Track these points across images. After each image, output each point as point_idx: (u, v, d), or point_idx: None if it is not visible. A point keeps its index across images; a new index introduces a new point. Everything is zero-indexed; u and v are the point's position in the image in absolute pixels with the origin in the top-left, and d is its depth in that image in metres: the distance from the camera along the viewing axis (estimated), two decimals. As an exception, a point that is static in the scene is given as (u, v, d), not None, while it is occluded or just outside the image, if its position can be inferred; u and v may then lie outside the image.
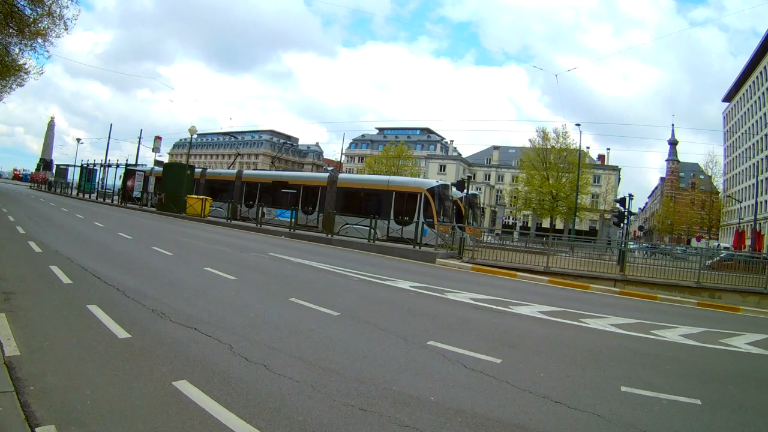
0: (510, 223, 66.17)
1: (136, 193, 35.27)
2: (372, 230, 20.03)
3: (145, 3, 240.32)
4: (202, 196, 28.30)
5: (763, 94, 65.83)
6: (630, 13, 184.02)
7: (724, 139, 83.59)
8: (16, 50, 22.15)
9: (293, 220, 22.88)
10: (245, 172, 33.21)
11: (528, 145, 56.44)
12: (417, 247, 18.68)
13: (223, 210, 27.99)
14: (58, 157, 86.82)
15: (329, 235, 20.99)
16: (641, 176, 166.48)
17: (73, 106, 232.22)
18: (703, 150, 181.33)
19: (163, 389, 3.87)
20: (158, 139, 41.15)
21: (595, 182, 64.65)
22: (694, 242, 67.05)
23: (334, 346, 5.64)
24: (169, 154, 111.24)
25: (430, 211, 21.95)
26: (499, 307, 9.36)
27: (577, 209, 46.42)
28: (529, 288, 13.69)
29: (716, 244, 56.33)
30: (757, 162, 64.02)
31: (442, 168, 77.26)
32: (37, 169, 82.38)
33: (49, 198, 38.24)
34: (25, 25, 19.55)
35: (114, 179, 43.74)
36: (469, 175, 54.74)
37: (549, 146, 52.73)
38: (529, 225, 64.14)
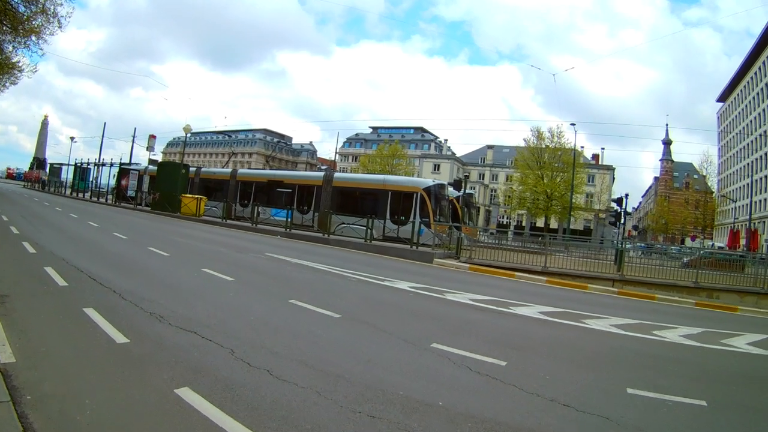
0: (504, 223, 66.15)
1: (131, 193, 34.93)
2: (369, 230, 19.90)
3: (138, 1, 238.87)
4: (197, 196, 28.05)
5: (758, 94, 66.17)
6: (624, 14, 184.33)
7: (719, 139, 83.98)
8: (10, 48, 21.87)
9: (289, 219, 22.71)
10: (240, 171, 32.97)
11: (522, 144, 56.53)
12: (414, 247, 18.59)
13: (217, 209, 27.78)
14: (51, 156, 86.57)
15: (326, 235, 20.84)
16: (635, 176, 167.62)
17: (66, 104, 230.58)
18: (697, 150, 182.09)
19: (165, 397, 3.74)
20: (152, 137, 40.89)
21: (589, 182, 64.89)
22: (688, 242, 67.19)
23: (338, 349, 5.55)
24: (162, 152, 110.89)
25: (427, 210, 21.85)
26: (499, 308, 9.30)
27: (571, 209, 46.43)
28: (528, 288, 13.63)
29: (710, 243, 56.61)
30: (752, 162, 64.35)
31: (437, 167, 77.21)
32: (31, 168, 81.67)
33: (43, 197, 37.87)
34: (18, 22, 19.31)
35: (108, 178, 43.42)
36: (466, 174, 54.60)
37: (543, 145, 52.83)
38: (524, 224, 64.15)
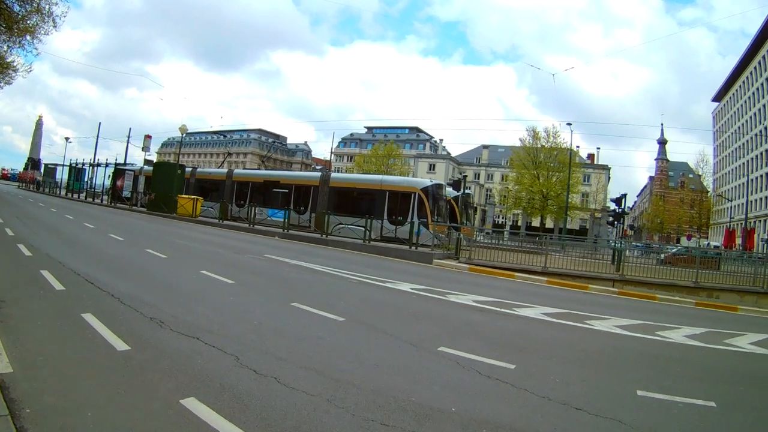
0: (500, 223, 66.11)
1: (126, 193, 34.60)
2: (367, 231, 19.77)
3: (133, 1, 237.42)
4: (193, 196, 27.86)
5: (753, 94, 66.49)
6: (619, 13, 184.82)
7: (714, 138, 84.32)
8: (5, 47, 21.65)
9: (287, 220, 22.56)
10: (236, 171, 32.81)
11: (518, 144, 56.65)
12: (414, 248, 18.47)
13: (213, 210, 27.61)
14: (46, 157, 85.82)
15: (324, 236, 20.69)
16: (629, 175, 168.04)
17: (60, 104, 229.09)
18: (692, 149, 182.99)
19: (171, 408, 3.58)
20: (148, 138, 40.56)
21: (585, 181, 64.87)
22: (684, 241, 67.36)
23: (344, 354, 5.42)
24: (157, 153, 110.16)
25: (424, 211, 21.74)
26: (502, 310, 9.22)
27: (568, 208, 46.43)
28: (529, 289, 13.58)
29: (706, 242, 56.74)
30: (748, 161, 64.63)
31: (432, 167, 77.23)
32: (25, 169, 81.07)
33: (37, 198, 37.54)
34: (13, 22, 19.11)
35: (103, 179, 43.07)
36: (465, 174, 54.57)
37: (539, 145, 52.84)
38: (519, 224, 64.18)
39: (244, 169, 64.38)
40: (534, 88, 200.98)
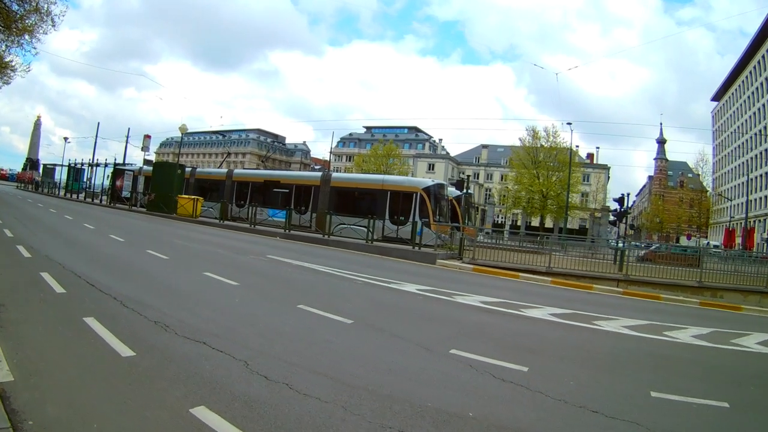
0: (500, 222, 66.04)
1: (125, 193, 34.38)
2: (370, 231, 19.64)
3: (131, 1, 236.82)
4: (193, 196, 27.67)
5: (753, 93, 66.50)
6: (617, 13, 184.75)
7: (713, 137, 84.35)
8: (3, 47, 21.45)
9: (288, 220, 22.40)
10: (236, 171, 32.62)
11: (517, 143, 56.66)
12: (417, 248, 18.32)
13: (213, 210, 27.43)
14: (44, 157, 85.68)
15: (325, 236, 20.53)
16: (628, 175, 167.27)
17: (59, 105, 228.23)
18: (690, 149, 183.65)
19: (181, 418, 3.41)
20: (147, 137, 40.36)
21: (584, 181, 64.80)
22: (683, 240, 67.36)
23: (355, 358, 5.30)
24: (155, 153, 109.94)
25: (426, 210, 21.57)
26: (510, 311, 9.16)
27: (568, 208, 46.33)
28: (534, 289, 13.51)
29: (706, 242, 56.71)
30: (748, 160, 64.59)
31: (431, 167, 77.15)
32: (24, 169, 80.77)
33: (36, 198, 37.26)
34: (12, 21, 18.93)
35: (102, 179, 42.81)
36: (468, 174, 54.56)
37: (539, 145, 52.77)
38: (519, 224, 64.13)
39: (244, 168, 64.11)
40: (532, 88, 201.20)
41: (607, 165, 70.39)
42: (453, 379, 4.86)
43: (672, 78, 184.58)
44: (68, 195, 44.80)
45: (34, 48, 21.54)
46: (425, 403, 4.09)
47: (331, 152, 74.71)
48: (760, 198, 62.41)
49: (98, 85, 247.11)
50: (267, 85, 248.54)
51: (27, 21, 19.67)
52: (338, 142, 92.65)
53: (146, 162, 40.81)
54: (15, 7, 19.00)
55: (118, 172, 37.00)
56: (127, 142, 46.20)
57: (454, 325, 7.57)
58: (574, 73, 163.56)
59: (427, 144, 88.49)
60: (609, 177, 70.28)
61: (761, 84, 63.69)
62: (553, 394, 4.59)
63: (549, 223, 58.12)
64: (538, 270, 17.11)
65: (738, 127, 71.81)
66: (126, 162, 43.89)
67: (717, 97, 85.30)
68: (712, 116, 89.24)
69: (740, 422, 4.55)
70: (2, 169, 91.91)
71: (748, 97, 68.45)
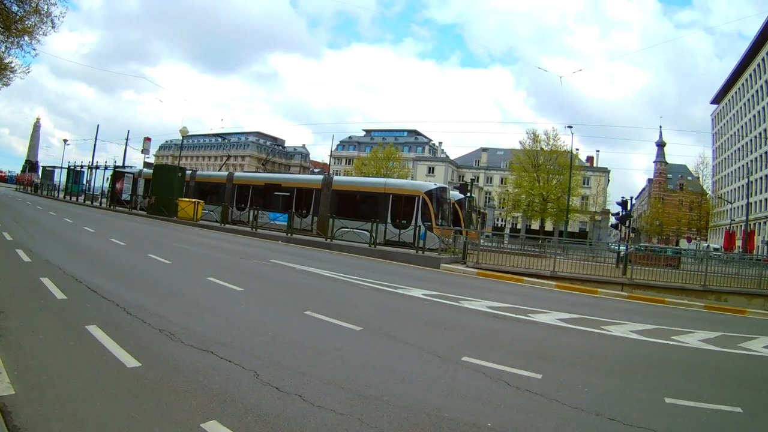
0: (500, 226, 65.91)
1: (125, 196, 34.17)
2: (373, 235, 19.49)
3: (130, 3, 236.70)
4: (194, 199, 27.50)
5: (753, 96, 66.57)
6: (616, 16, 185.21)
7: (713, 140, 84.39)
8: (2, 48, 21.31)
9: (290, 224, 22.21)
10: (237, 174, 32.41)
11: (516, 146, 56.65)
12: (420, 252, 18.17)
13: (213, 213, 27.25)
14: (43, 159, 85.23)
15: (328, 240, 20.38)
16: (627, 178, 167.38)
17: (58, 107, 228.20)
18: (689, 152, 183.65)
19: (193, 435, 3.25)
20: (147, 140, 40.21)
21: (584, 184, 64.75)
22: (683, 243, 67.25)
23: (367, 367, 5.13)
24: (154, 155, 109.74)
25: (428, 214, 21.42)
26: (518, 316, 9.08)
27: (568, 211, 46.21)
28: (540, 294, 13.40)
29: (705, 245, 56.66)
30: (748, 163, 64.54)
31: (431, 170, 77.10)
32: (23, 171, 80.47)
33: (35, 201, 37.05)
34: (11, 22, 18.78)
35: (102, 181, 42.58)
36: (471, 178, 54.38)
37: (539, 148, 52.69)
38: (519, 227, 64.03)
39: (246, 171, 63.98)
40: (531, 91, 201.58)
41: (607, 168, 70.45)
42: (468, 387, 4.77)
43: (671, 81, 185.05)
44: (68, 197, 44.61)
45: (34, 49, 21.39)
46: (442, 414, 3.99)
47: (331, 155, 74.62)
48: (761, 201, 62.36)
49: (97, 88, 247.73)
50: (266, 88, 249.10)
51: (27, 22, 19.53)
52: (338, 145, 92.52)
53: (146, 165, 40.54)
54: (15, 8, 18.88)
55: (118, 174, 36.77)
56: (126, 145, 46.09)
57: (463, 331, 7.48)
58: (573, 75, 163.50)
59: (426, 147, 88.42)
60: (609, 180, 70.24)
61: (761, 87, 63.75)
62: (569, 401, 4.53)
63: (549, 227, 58.02)
64: (542, 274, 17.00)
65: (738, 129, 71.84)
66: (125, 164, 43.74)
67: (717, 100, 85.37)
68: (712, 119, 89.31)
69: (754, 427, 4.55)
70: (1, 171, 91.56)
71: (748, 99, 68.52)
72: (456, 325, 7.84)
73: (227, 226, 25.01)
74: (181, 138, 36.87)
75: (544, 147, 52.76)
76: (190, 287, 8.78)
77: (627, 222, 28.56)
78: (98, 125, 58.82)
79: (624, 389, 5.24)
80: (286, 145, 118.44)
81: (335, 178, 27.23)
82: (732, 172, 74.52)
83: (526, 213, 55.91)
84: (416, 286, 11.48)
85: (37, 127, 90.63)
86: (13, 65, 23.52)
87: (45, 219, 21.21)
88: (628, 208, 27.16)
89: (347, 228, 21.20)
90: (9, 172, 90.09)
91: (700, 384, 5.73)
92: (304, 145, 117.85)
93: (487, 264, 17.66)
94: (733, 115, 76.06)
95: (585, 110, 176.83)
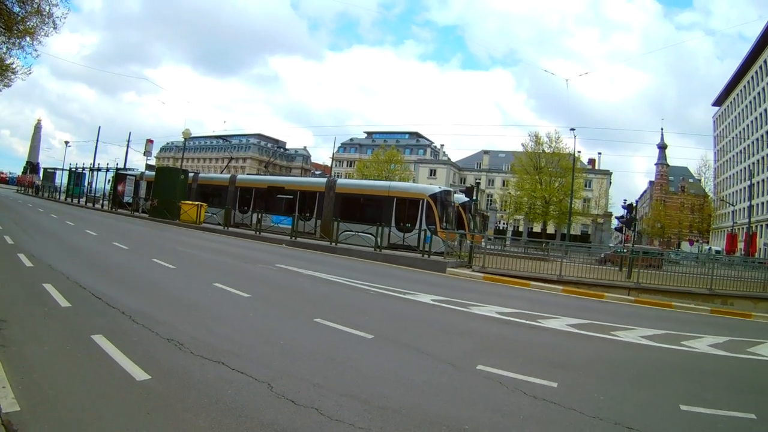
0: (502, 228, 65.77)
1: (127, 198, 33.99)
2: (378, 238, 19.34)
3: (131, 5, 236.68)
4: (197, 202, 27.31)
5: (755, 98, 66.44)
6: (616, 18, 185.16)
7: (714, 143, 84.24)
8: (4, 49, 21.21)
9: (295, 227, 22.10)
10: (239, 176, 32.26)
11: (517, 148, 56.75)
12: (426, 256, 18.02)
13: (216, 216, 27.07)
14: (44, 160, 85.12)
15: (333, 244, 20.21)
16: (628, 180, 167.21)
17: (59, 108, 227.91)
18: (690, 154, 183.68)
19: (209, 455, 3.09)
20: (150, 142, 40.09)
21: (586, 186, 64.69)
22: (685, 246, 67.02)
23: (383, 377, 5.02)
24: (156, 157, 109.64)
25: (433, 218, 21.25)
26: (528, 322, 8.99)
27: (571, 214, 46.09)
28: (547, 299, 13.30)
29: (707, 247, 56.51)
30: (750, 165, 64.37)
31: (433, 172, 76.96)
32: (24, 173, 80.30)
33: (37, 203, 36.85)
34: (13, 23, 18.69)
35: (104, 183, 42.36)
36: (478, 181, 54.28)
37: (541, 150, 52.64)
38: (521, 230, 63.90)
39: (249, 174, 63.85)
40: (532, 93, 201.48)
41: (609, 171, 70.27)
42: (485, 397, 4.70)
43: (671, 83, 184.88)
44: (69, 199, 44.45)
45: (35, 50, 21.32)
46: (462, 426, 3.91)
47: (332, 158, 74.54)
48: (763, 203, 62.20)
49: (98, 89, 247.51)
50: (267, 90, 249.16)
51: (28, 23, 19.47)
52: (339, 148, 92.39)
53: (148, 167, 40.40)
54: (16, 9, 18.81)
55: (120, 176, 36.53)
56: (128, 147, 45.96)
57: (475, 337, 7.40)
58: (568, 77, 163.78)
59: (428, 149, 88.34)
60: (611, 182, 70.08)
61: (763, 89, 63.65)
62: (586, 410, 4.50)
63: (551, 229, 57.92)
64: (549, 278, 16.83)
65: (740, 132, 71.70)
66: (127, 166, 43.64)
67: (718, 102, 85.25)
68: (714, 121, 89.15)
69: (767, 432, 4.53)
70: (2, 173, 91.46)
71: (750, 102, 68.38)
72: (467, 332, 7.75)
73: (230, 229, 24.84)
74: (182, 140, 36.76)
75: (546, 149, 52.76)
76: (197, 293, 8.61)
77: (633, 225, 28.35)
78: (99, 127, 58.67)
79: (639, 397, 5.20)
80: (287, 147, 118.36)
81: (339, 180, 27.04)
82: (734, 174, 74.36)
83: (528, 216, 55.82)
84: (424, 291, 11.34)
85: (38, 128, 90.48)
86: (14, 66, 23.46)
87: (46, 222, 21.07)
88: (634, 211, 26.93)
89: (351, 231, 21.02)
90: (10, 173, 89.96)
91: (712, 390, 5.74)
92: (305, 147, 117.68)
93: (492, 268, 17.49)
94: (735, 117, 75.91)
95: (586, 112, 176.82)
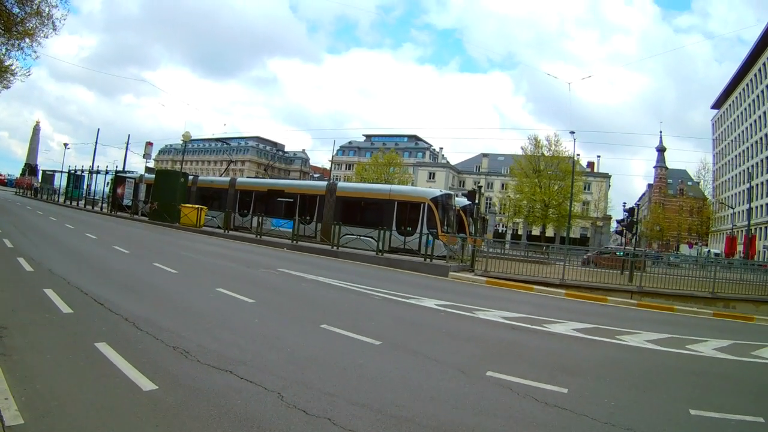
0: (501, 231, 65.73)
1: (126, 201, 33.79)
2: (379, 242, 19.26)
3: (130, 7, 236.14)
4: (197, 206, 27.17)
5: (753, 101, 66.53)
6: (615, 21, 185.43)
7: (713, 145, 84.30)
8: (3, 51, 21.08)
9: (296, 231, 22.01)
10: (239, 179, 32.15)
11: (516, 152, 56.87)
12: (429, 260, 17.95)
13: (216, 220, 26.93)
14: (43, 163, 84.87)
15: (334, 248, 20.11)
16: (626, 183, 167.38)
17: (57, 110, 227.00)
18: (688, 157, 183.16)
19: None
20: (149, 145, 39.90)
21: (585, 189, 64.68)
22: (684, 248, 67.03)
23: (393, 385, 4.94)
24: (154, 160, 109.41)
25: (434, 221, 21.17)
26: (534, 326, 8.99)
27: (571, 217, 46.04)
28: (551, 303, 13.26)
29: (706, 250, 56.49)
30: (749, 168, 64.42)
31: (432, 176, 76.93)
32: (23, 174, 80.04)
33: (35, 205, 36.71)
34: (12, 24, 18.57)
35: (103, 186, 42.07)
36: (480, 185, 54.20)
37: (540, 153, 52.66)
38: (520, 233, 63.89)
39: (245, 177, 63.70)
40: (530, 96, 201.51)
41: (608, 173, 70.25)
42: (497, 405, 4.65)
43: (670, 85, 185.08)
44: (68, 202, 44.26)
45: (35, 52, 21.15)
46: None
47: (331, 161, 74.45)
48: (762, 205, 62.26)
49: (97, 91, 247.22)
50: (265, 93, 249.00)
51: (28, 24, 19.34)
52: (338, 150, 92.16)
53: (148, 170, 40.21)
54: (16, 10, 18.67)
55: (119, 179, 36.27)
56: (127, 149, 45.78)
57: (482, 343, 7.36)
58: (570, 80, 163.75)
59: (427, 152, 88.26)
60: (610, 185, 70.13)
61: (762, 92, 63.74)
62: (598, 416, 4.50)
63: (550, 232, 57.91)
64: (551, 282, 16.78)
65: (739, 134, 71.77)
66: (125, 169, 43.43)
67: (717, 105, 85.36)
68: (713, 124, 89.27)
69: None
70: (1, 175, 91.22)
71: (749, 104, 68.47)
72: (474, 337, 7.69)
73: (230, 232, 24.71)
74: (180, 142, 36.69)
75: (545, 153, 52.76)
76: (200, 299, 8.49)
77: (635, 229, 28.30)
78: (99, 129, 58.43)
79: (649, 401, 5.21)
80: (285, 150, 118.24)
81: (339, 184, 26.96)
82: (733, 177, 74.42)
83: (528, 219, 55.81)
84: (428, 295, 11.28)
85: (36, 130, 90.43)
86: (13, 68, 23.29)
87: (46, 225, 20.95)
88: (636, 215, 26.89)
89: (352, 235, 20.91)
90: (8, 175, 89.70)
91: (720, 394, 5.80)
92: (303, 150, 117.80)
93: (495, 272, 17.39)
94: (734, 119, 75.99)
95: (584, 115, 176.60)
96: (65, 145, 69.12)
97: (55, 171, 59.48)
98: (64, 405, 3.68)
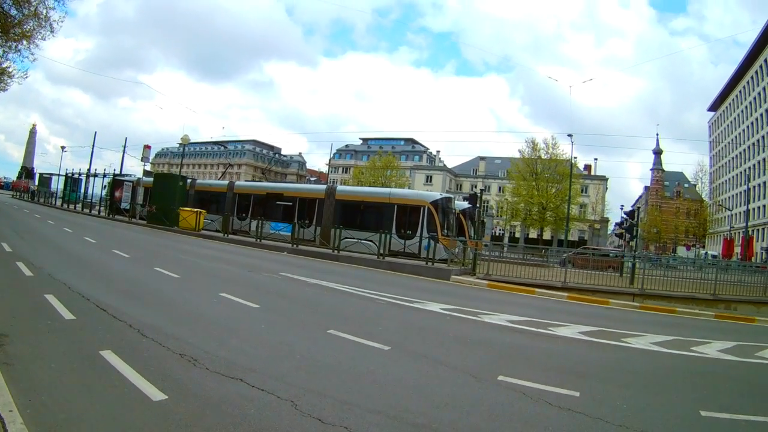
0: (498, 234, 65.71)
1: (125, 205, 33.55)
2: (380, 246, 19.18)
3: (126, 10, 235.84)
4: (196, 209, 27.02)
5: (750, 103, 66.75)
6: (611, 24, 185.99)
7: (710, 148, 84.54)
8: (0, 53, 20.96)
9: (296, 235, 21.88)
10: (237, 183, 31.99)
11: (512, 154, 56.95)
12: (430, 264, 17.86)
13: (214, 223, 26.79)
14: (39, 165, 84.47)
15: (335, 251, 20.01)
16: (623, 186, 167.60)
17: (54, 113, 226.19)
18: (684, 159, 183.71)
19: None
20: (147, 148, 39.66)
21: (583, 192, 64.71)
22: (682, 251, 67.13)
23: (407, 390, 4.87)
24: (151, 163, 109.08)
25: (434, 225, 21.09)
26: (539, 330, 8.97)
27: (569, 220, 46.03)
28: (554, 306, 13.20)
29: (704, 252, 56.56)
30: (746, 170, 64.61)
31: (429, 179, 76.84)
32: (19, 177, 79.63)
33: (33, 208, 36.42)
34: (10, 26, 18.46)
35: (100, 189, 41.84)
36: (482, 188, 54.18)
37: (538, 156, 52.69)
38: (517, 236, 63.88)
39: (243, 180, 63.53)
40: (526, 99, 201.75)
41: (605, 176, 70.37)
42: (512, 409, 4.64)
43: (666, 88, 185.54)
44: (65, 205, 43.99)
45: (32, 54, 21.04)
46: None
47: (329, 164, 74.33)
48: (760, 207, 62.43)
49: (93, 94, 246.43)
50: (261, 96, 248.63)
51: (25, 26, 19.25)
52: (335, 154, 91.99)
53: (146, 173, 39.99)
54: (13, 12, 18.56)
55: (117, 182, 36.07)
56: (124, 152, 45.59)
57: (490, 347, 7.35)
58: (567, 83, 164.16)
59: (424, 156, 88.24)
60: (607, 188, 70.21)
61: (759, 94, 63.94)
62: (612, 419, 4.51)
63: (547, 235, 57.91)
64: (553, 285, 16.71)
65: (736, 137, 71.96)
66: (123, 172, 43.20)
67: (713, 107, 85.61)
68: (709, 126, 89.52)
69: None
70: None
71: (746, 107, 68.69)
72: (482, 341, 7.67)
73: (230, 236, 24.57)
74: (178, 145, 36.61)
75: (543, 155, 52.79)
76: (204, 304, 8.37)
77: (635, 232, 28.21)
78: (96, 132, 58.26)
79: (660, 403, 5.22)
80: (282, 153, 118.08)
81: (338, 187, 26.88)
82: (730, 179, 74.61)
83: (525, 222, 55.80)
84: (432, 299, 11.22)
85: (33, 133, 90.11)
86: (10, 70, 23.13)
87: (44, 228, 20.77)
88: (636, 218, 26.88)
89: (352, 239, 20.81)
90: (5, 178, 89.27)
91: (728, 395, 5.85)
92: (300, 153, 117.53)
93: (497, 275, 17.31)
94: (731, 122, 76.21)
95: (580, 118, 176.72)
96: (62, 148, 68.59)
97: (52, 174, 59.20)
98: (71, 418, 3.55)
